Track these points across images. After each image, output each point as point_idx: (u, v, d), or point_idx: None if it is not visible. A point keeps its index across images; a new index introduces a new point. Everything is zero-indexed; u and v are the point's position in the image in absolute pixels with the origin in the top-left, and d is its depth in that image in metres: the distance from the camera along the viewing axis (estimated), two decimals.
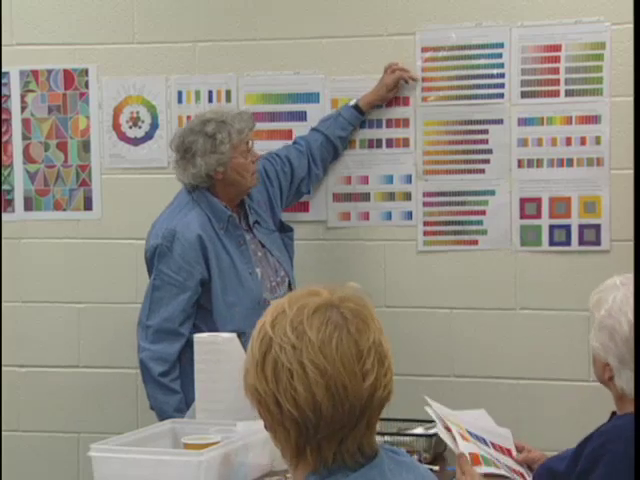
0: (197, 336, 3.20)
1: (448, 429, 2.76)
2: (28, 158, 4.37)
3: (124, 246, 4.23)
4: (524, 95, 3.98)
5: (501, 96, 4.00)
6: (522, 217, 4.00)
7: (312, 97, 4.16)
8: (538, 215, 3.99)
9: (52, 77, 4.33)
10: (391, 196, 4.11)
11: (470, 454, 2.70)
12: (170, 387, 3.63)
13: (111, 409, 4.31)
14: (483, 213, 4.03)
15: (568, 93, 3.94)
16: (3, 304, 4.39)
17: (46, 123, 4.34)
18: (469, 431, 2.83)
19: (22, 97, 4.35)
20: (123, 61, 4.28)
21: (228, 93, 4.21)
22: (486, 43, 4.00)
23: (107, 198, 4.32)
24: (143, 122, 4.29)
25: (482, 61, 4.01)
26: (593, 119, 3.92)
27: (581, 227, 3.95)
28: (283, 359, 1.67)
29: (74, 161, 4.34)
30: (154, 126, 4.27)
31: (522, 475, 2.80)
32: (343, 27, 4.10)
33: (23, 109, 4.36)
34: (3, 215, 4.38)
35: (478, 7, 4.00)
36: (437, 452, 3.15)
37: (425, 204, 4.08)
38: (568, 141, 3.94)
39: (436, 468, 2.96)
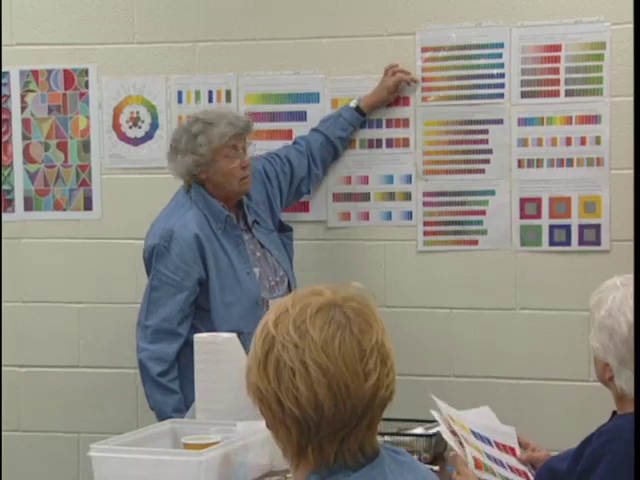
0: (197, 336, 3.20)
1: (454, 433, 2.76)
2: (28, 158, 4.37)
3: (124, 246, 4.23)
4: (524, 95, 3.98)
5: (501, 96, 4.00)
6: (522, 217, 4.00)
7: (312, 97, 4.16)
8: (538, 215, 3.99)
9: (52, 77, 4.33)
10: (391, 196, 4.11)
11: (473, 458, 2.70)
12: (169, 387, 3.64)
13: (111, 409, 4.31)
14: (483, 213, 4.03)
15: (568, 93, 3.94)
16: (3, 304, 4.39)
17: (46, 123, 4.34)
18: (473, 431, 2.83)
19: (22, 97, 4.35)
20: (123, 61, 4.28)
21: (228, 93, 4.21)
22: (486, 43, 4.00)
23: (107, 198, 4.32)
24: (143, 122, 4.29)
25: (482, 61, 4.01)
26: (593, 119, 3.92)
27: (581, 227, 3.95)
28: (285, 358, 1.67)
29: (74, 161, 4.34)
30: (154, 126, 4.27)
31: (525, 474, 2.79)
32: (343, 27, 4.10)
33: (23, 109, 4.36)
34: (3, 215, 4.38)
35: (478, 7, 4.00)
36: (437, 452, 3.15)
37: (425, 204, 4.08)
38: (568, 141, 3.94)
39: (436, 468, 2.96)
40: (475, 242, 4.05)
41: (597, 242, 3.94)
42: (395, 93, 4.04)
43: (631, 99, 3.79)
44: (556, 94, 3.95)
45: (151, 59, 4.26)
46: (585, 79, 3.92)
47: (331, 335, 1.68)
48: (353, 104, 4.06)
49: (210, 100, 4.21)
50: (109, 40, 4.28)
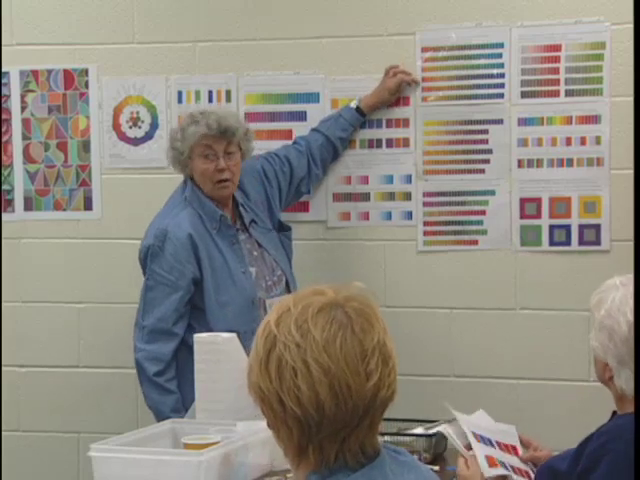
0: (197, 336, 3.20)
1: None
2: (28, 158, 4.37)
3: (124, 246, 4.23)
4: (524, 95, 3.98)
5: (501, 96, 4.00)
6: (522, 217, 4.00)
7: (312, 97, 4.15)
8: (538, 215, 3.99)
9: (52, 77, 4.32)
10: (391, 196, 4.11)
11: (486, 456, 2.71)
12: (165, 387, 3.64)
13: (111, 409, 4.31)
14: (483, 213, 4.03)
15: (568, 93, 3.94)
16: (3, 304, 4.39)
17: (46, 123, 4.34)
18: (474, 433, 2.83)
19: (22, 97, 4.35)
20: (123, 61, 4.28)
21: (228, 93, 4.21)
22: (486, 43, 4.00)
23: (107, 198, 4.32)
24: (143, 122, 4.29)
25: (482, 61, 4.00)
26: (593, 119, 3.92)
27: (581, 227, 3.95)
28: (287, 357, 1.67)
29: (74, 161, 4.34)
30: (154, 126, 4.27)
31: (527, 473, 2.80)
32: (343, 27, 4.10)
33: (23, 109, 4.36)
34: (3, 215, 4.38)
35: (478, 7, 4.00)
36: (437, 452, 3.16)
37: (425, 204, 4.08)
38: (568, 141, 3.94)
39: (436, 468, 2.97)
40: (475, 242, 4.05)
41: (597, 242, 3.94)
42: (396, 94, 4.05)
43: (631, 99, 3.79)
44: (556, 94, 3.95)
45: (151, 59, 4.26)
46: (585, 79, 3.92)
47: (333, 335, 1.68)
48: (353, 104, 4.06)
49: (210, 100, 4.21)
50: (109, 40, 4.28)
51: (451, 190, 4.05)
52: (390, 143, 4.10)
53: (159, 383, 3.64)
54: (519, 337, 4.02)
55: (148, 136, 4.28)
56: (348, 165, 4.13)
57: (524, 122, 3.98)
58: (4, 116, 4.36)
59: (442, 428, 2.89)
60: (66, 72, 4.32)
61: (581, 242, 3.96)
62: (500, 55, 3.99)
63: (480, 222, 4.04)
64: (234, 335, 3.17)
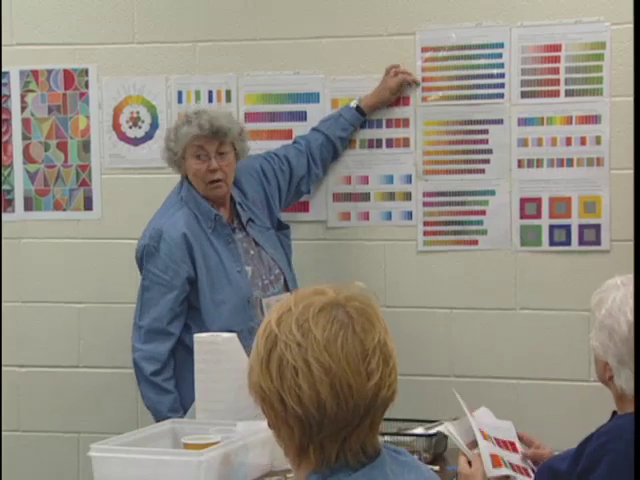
0: (197, 336, 3.20)
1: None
2: (28, 158, 4.37)
3: (124, 246, 4.23)
4: (524, 95, 3.97)
5: (501, 96, 4.00)
6: (522, 217, 4.00)
7: (312, 97, 4.15)
8: (538, 215, 3.99)
9: (52, 77, 4.32)
10: (391, 196, 4.11)
11: (491, 455, 2.71)
12: (163, 387, 3.65)
13: (111, 409, 4.31)
14: (483, 213, 4.03)
15: (568, 93, 3.94)
16: (3, 304, 4.39)
17: (46, 123, 4.34)
18: (481, 430, 2.83)
19: (22, 97, 4.35)
20: (123, 61, 4.28)
21: (228, 93, 4.21)
22: (486, 43, 4.00)
23: (107, 198, 4.32)
24: (143, 122, 4.29)
25: (482, 61, 4.00)
26: (593, 119, 3.92)
27: (581, 227, 3.95)
28: (288, 357, 1.67)
29: (74, 161, 4.34)
30: (154, 126, 4.27)
31: (526, 471, 2.79)
32: (343, 27, 4.10)
33: (23, 109, 4.36)
34: (3, 215, 4.38)
35: (478, 7, 4.00)
36: (437, 452, 3.16)
37: (425, 204, 4.08)
38: (568, 141, 3.94)
39: (436, 468, 2.97)
40: (475, 242, 4.05)
41: (597, 242, 3.94)
42: (397, 94, 4.05)
43: (631, 99, 3.79)
44: (556, 94, 3.95)
45: (151, 59, 4.26)
46: (585, 79, 3.92)
47: (334, 334, 1.68)
48: (354, 104, 4.06)
49: (210, 100, 4.21)
50: (109, 40, 4.28)
51: (451, 190, 4.05)
52: (390, 143, 4.10)
53: (156, 383, 3.65)
54: (519, 337, 4.02)
55: (148, 136, 4.28)
56: (348, 165, 4.13)
57: (524, 122, 3.98)
58: (4, 116, 4.36)
59: (443, 427, 2.89)
60: (66, 72, 4.32)
61: (581, 242, 3.96)
62: (500, 55, 3.99)
63: (480, 222, 4.04)
64: (234, 335, 3.17)
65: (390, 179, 4.11)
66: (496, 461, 2.72)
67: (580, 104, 3.93)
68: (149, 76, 4.26)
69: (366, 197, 4.13)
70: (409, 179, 4.09)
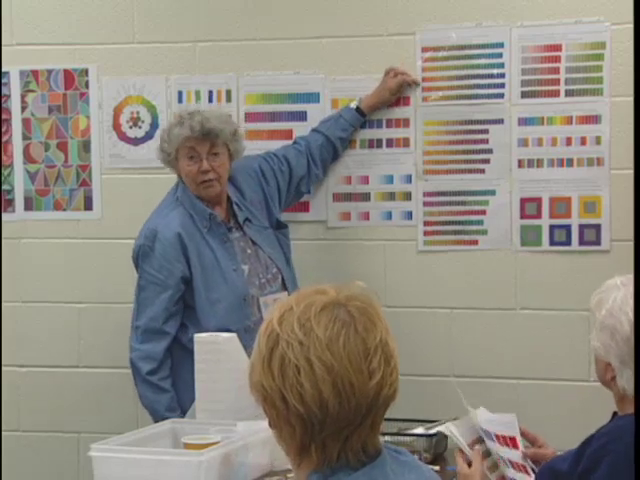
0: (197, 336, 3.21)
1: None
2: (28, 158, 4.37)
3: (124, 246, 4.22)
4: (524, 95, 3.97)
5: (501, 96, 4.00)
6: (522, 217, 4.00)
7: (312, 97, 4.15)
8: (538, 215, 3.98)
9: (52, 77, 4.32)
10: (391, 196, 4.11)
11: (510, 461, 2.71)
12: (159, 386, 3.67)
13: (111, 409, 4.31)
14: (483, 213, 4.03)
15: (568, 93, 3.94)
16: (3, 304, 4.39)
17: (46, 123, 4.34)
18: (486, 430, 2.83)
19: (22, 97, 4.35)
20: (123, 61, 4.28)
21: (228, 93, 4.21)
22: (486, 43, 4.00)
23: (107, 198, 4.32)
24: (143, 122, 4.29)
25: (482, 61, 4.00)
26: (593, 119, 3.92)
27: (581, 227, 3.95)
28: (290, 355, 1.68)
29: (74, 161, 4.33)
30: (154, 126, 4.27)
31: (525, 468, 2.79)
32: (343, 27, 4.10)
33: (23, 109, 4.36)
34: (3, 215, 4.38)
35: (478, 7, 4.00)
36: (437, 452, 3.16)
37: (425, 204, 4.08)
38: (568, 141, 3.94)
39: (436, 468, 2.96)
40: (475, 242, 4.05)
41: (597, 242, 3.94)
42: (397, 94, 4.05)
43: (631, 99, 3.78)
44: (556, 94, 3.95)
45: (151, 59, 4.26)
46: (585, 79, 3.92)
47: (336, 333, 1.69)
48: (354, 105, 4.06)
49: (210, 100, 4.21)
50: (109, 40, 4.28)
51: (451, 190, 4.05)
52: (390, 143, 4.10)
53: (153, 382, 3.67)
54: (519, 337, 4.02)
55: (148, 136, 4.28)
56: (348, 165, 4.13)
57: (524, 122, 3.98)
58: (4, 116, 4.36)
59: (444, 427, 2.89)
60: (66, 72, 4.32)
61: (581, 242, 3.96)
62: (500, 55, 3.99)
63: (480, 222, 4.04)
64: (234, 335, 3.17)
65: (390, 179, 4.11)
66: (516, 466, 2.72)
67: (580, 104, 3.93)
68: (149, 76, 4.26)
69: (366, 197, 4.13)
70: (409, 179, 4.09)
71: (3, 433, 4.38)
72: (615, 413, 2.51)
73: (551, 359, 4.00)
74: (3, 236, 4.38)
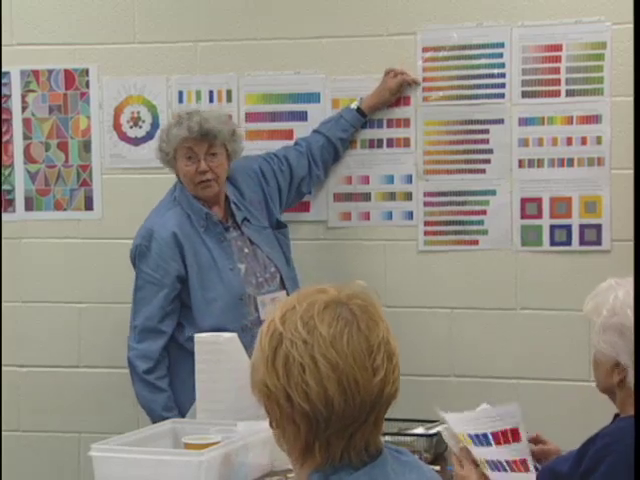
0: (198, 336, 3.21)
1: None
2: (29, 158, 4.37)
3: (124, 246, 4.21)
4: (525, 95, 3.97)
5: (502, 96, 4.00)
6: (523, 217, 4.00)
7: (313, 97, 4.15)
8: (539, 215, 3.98)
9: (53, 77, 4.32)
10: (392, 196, 4.11)
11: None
12: (156, 385, 3.68)
13: (111, 409, 4.31)
14: (484, 213, 4.03)
15: (569, 93, 3.94)
16: (3, 304, 4.39)
17: (47, 123, 4.34)
18: (470, 435, 2.81)
19: (23, 97, 4.35)
20: (124, 61, 4.28)
21: (229, 93, 4.21)
22: (487, 43, 4.00)
23: (108, 198, 4.32)
24: (144, 122, 4.29)
25: (483, 61, 4.00)
26: (594, 119, 3.92)
27: (582, 227, 3.95)
28: (294, 354, 1.68)
29: (75, 161, 4.33)
30: (155, 126, 4.27)
31: (524, 462, 2.76)
32: (343, 27, 4.10)
33: (24, 109, 4.36)
34: (3, 215, 4.38)
35: (479, 7, 4.00)
36: (438, 452, 3.16)
37: (426, 204, 4.08)
38: (569, 141, 3.94)
39: (437, 468, 2.96)
40: (476, 242, 4.05)
41: (598, 242, 3.94)
42: (397, 94, 4.05)
43: (631, 99, 3.79)
44: (557, 94, 3.95)
45: (152, 59, 4.26)
46: (586, 79, 3.92)
47: (339, 331, 1.69)
48: (354, 105, 4.06)
49: (211, 100, 4.21)
50: (109, 40, 4.28)
51: (452, 190, 4.05)
52: (391, 143, 4.10)
53: (149, 381, 3.68)
54: (519, 337, 4.02)
55: (149, 136, 4.28)
56: (349, 165, 4.13)
57: (525, 122, 3.98)
58: (5, 116, 4.36)
59: (441, 428, 2.89)
60: (67, 72, 4.32)
61: (582, 242, 3.96)
62: (501, 55, 3.99)
63: (481, 222, 4.04)
64: (235, 335, 3.17)
65: (391, 179, 4.11)
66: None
67: (581, 104, 3.93)
68: (150, 76, 4.26)
69: (367, 197, 4.13)
70: (410, 179, 4.09)
71: (3, 433, 4.38)
72: (617, 415, 2.50)
73: (551, 359, 4.00)
74: (3, 236, 4.38)
